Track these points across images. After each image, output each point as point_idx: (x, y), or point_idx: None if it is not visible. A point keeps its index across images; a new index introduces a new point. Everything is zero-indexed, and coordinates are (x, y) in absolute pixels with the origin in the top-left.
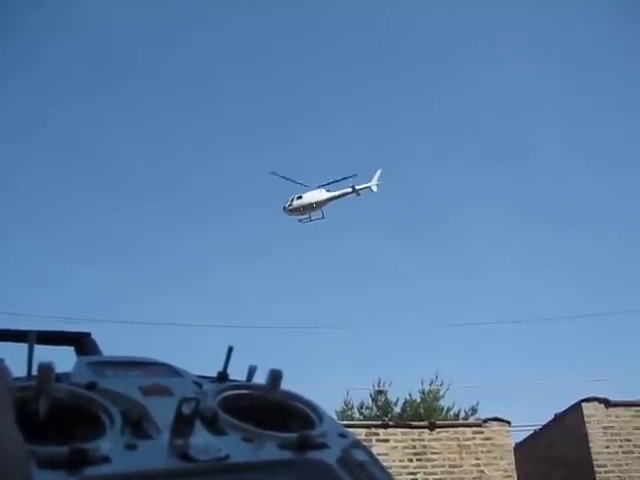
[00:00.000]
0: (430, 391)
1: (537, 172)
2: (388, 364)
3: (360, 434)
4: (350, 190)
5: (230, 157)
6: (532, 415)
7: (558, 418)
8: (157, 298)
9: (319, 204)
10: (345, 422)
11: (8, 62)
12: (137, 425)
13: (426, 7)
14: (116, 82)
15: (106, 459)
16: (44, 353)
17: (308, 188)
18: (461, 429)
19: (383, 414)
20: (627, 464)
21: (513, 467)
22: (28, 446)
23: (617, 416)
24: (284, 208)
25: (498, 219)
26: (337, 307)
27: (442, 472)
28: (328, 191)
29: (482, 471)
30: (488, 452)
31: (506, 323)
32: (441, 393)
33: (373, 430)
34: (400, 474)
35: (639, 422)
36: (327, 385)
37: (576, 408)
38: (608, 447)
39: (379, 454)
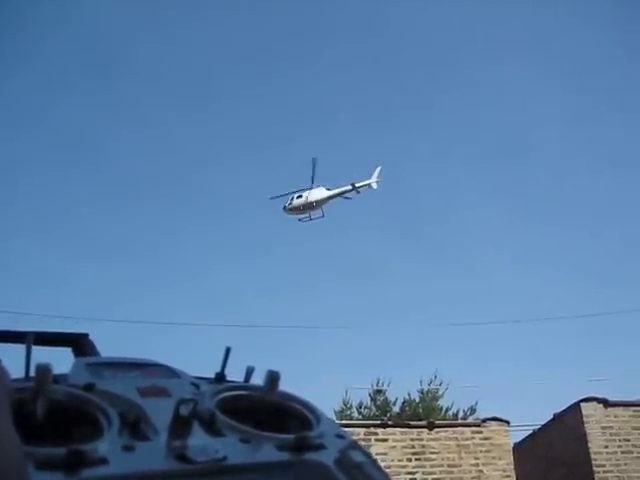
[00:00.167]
0: (429, 391)
1: (537, 172)
2: (387, 364)
3: (359, 434)
4: (350, 187)
5: (230, 156)
6: (531, 415)
7: (557, 418)
8: (157, 297)
9: (319, 202)
10: (344, 422)
11: (8, 61)
12: (135, 426)
13: (426, 6)
14: (116, 81)
15: (104, 460)
16: (42, 354)
17: (310, 186)
18: (460, 429)
19: (382, 414)
20: (626, 464)
21: (512, 467)
22: (26, 447)
23: (616, 416)
24: (284, 207)
25: (498, 219)
26: (337, 307)
27: (441, 472)
28: (328, 189)
29: (481, 471)
30: (487, 452)
31: (506, 323)
32: (440, 393)
33: (372, 430)
34: (399, 474)
35: (638, 422)
36: (326, 384)
37: (575, 408)
38: (607, 447)
39: (378, 454)
